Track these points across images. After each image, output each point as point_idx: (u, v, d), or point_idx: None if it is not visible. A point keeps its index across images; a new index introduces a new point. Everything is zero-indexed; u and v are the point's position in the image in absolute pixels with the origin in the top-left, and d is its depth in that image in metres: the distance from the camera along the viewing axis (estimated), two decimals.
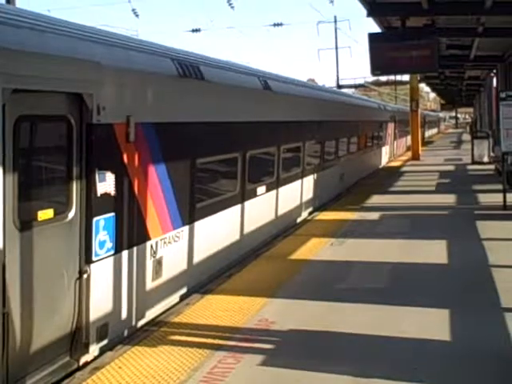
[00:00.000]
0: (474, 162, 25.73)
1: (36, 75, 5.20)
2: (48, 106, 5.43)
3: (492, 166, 22.26)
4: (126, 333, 6.55)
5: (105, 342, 6.10)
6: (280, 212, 12.03)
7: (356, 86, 63.35)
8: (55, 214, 5.53)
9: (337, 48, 52.84)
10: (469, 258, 9.39)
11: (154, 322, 6.76)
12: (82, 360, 5.78)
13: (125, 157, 6.47)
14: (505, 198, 13.60)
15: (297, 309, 7.12)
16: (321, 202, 15.54)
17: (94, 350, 5.94)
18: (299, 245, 10.49)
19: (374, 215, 13.67)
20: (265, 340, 6.11)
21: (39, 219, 5.32)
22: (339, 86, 50.70)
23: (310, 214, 14.33)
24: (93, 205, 5.89)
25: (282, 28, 42.65)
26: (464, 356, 5.64)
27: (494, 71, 26.97)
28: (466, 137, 48.22)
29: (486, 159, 25.42)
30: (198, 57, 9.17)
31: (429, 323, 6.47)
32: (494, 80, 28.26)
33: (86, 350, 5.80)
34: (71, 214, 5.71)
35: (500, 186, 14.27)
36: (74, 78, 5.71)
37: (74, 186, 5.74)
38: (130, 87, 6.69)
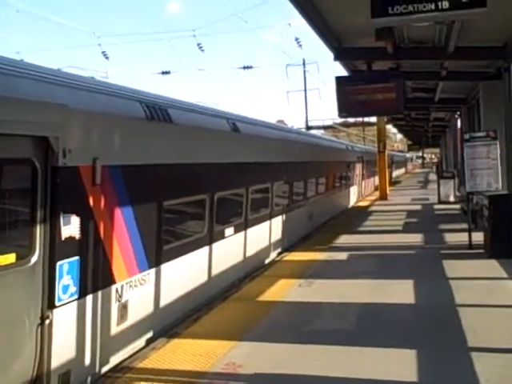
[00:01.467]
0: (440, 202, 26.10)
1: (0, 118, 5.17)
2: (12, 148, 5.39)
3: (458, 206, 22.60)
4: (89, 380, 6.40)
5: None
6: (248, 253, 11.99)
7: (325, 127, 64.17)
8: (17, 258, 5.43)
9: (305, 90, 53.50)
10: (435, 297, 9.44)
11: (118, 368, 6.62)
12: None
13: (90, 200, 6.43)
14: (470, 237, 13.77)
15: (264, 352, 7.05)
16: (290, 243, 15.54)
17: None
18: (267, 286, 10.44)
19: (343, 255, 13.71)
20: None
21: (0, 264, 5.21)
22: (308, 127, 51.25)
23: (279, 254, 14.31)
24: (57, 249, 5.81)
25: (252, 70, 43.32)
26: None
27: (458, 113, 27.61)
28: (433, 176, 49.02)
29: (452, 199, 25.80)
30: (167, 99, 9.22)
31: (397, 364, 6.45)
32: (459, 121, 28.89)
33: None
34: (34, 259, 5.61)
35: (466, 225, 14.47)
36: (40, 121, 5.69)
37: (38, 230, 5.67)
38: (96, 130, 6.69)
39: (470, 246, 13.69)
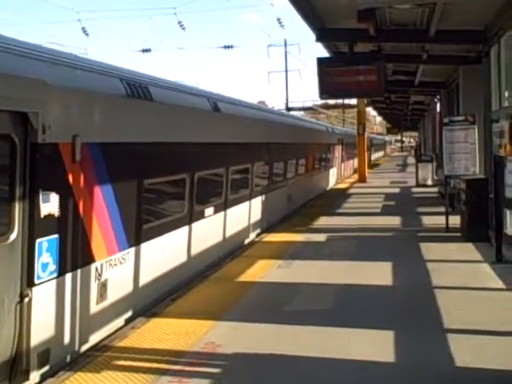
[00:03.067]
0: (418, 185, 26.37)
1: None
2: None
3: (435, 189, 22.82)
4: (68, 358, 6.38)
5: (46, 368, 5.93)
6: (228, 233, 12.00)
7: (305, 109, 64.10)
8: None
9: (286, 71, 53.46)
10: (413, 279, 9.54)
11: (97, 347, 6.60)
12: None
13: (70, 177, 6.36)
14: (447, 220, 13.93)
15: (243, 332, 7.08)
16: (269, 224, 15.59)
17: (34, 376, 5.76)
18: (246, 267, 10.47)
19: (321, 237, 13.78)
20: (211, 364, 6.04)
21: None
22: (288, 109, 51.19)
23: (258, 235, 14.34)
24: (36, 226, 5.75)
25: (233, 50, 43.03)
26: (409, 377, 5.70)
27: (438, 97, 27.74)
28: (411, 160, 49.36)
29: (429, 182, 26.07)
30: (147, 77, 9.13)
31: (374, 345, 6.51)
32: (438, 105, 29.04)
33: (26, 377, 5.63)
34: (13, 236, 5.56)
35: (443, 209, 14.62)
36: (19, 96, 5.60)
37: (17, 207, 5.60)
38: (76, 106, 6.60)
39: (447, 228, 13.85)
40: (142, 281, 8.10)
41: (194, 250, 10.08)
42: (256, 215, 14.43)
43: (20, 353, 5.57)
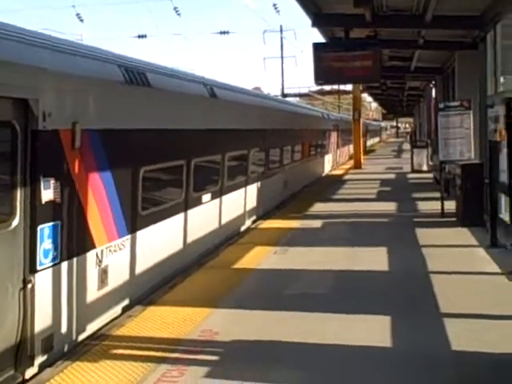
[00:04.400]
0: (413, 171, 26.43)
1: None
2: None
3: (431, 175, 22.89)
4: (71, 344, 6.43)
5: (50, 353, 5.98)
6: (224, 220, 12.03)
7: (301, 95, 64.04)
8: None
9: (282, 57, 53.32)
10: (409, 264, 9.62)
11: (95, 336, 6.57)
12: (28, 373, 5.65)
13: (70, 164, 6.39)
14: (442, 205, 14.00)
15: (241, 319, 7.11)
16: (265, 210, 15.62)
17: (39, 362, 5.81)
18: (243, 254, 10.50)
19: (317, 223, 13.84)
20: (209, 351, 6.04)
21: None
22: (284, 95, 51.11)
23: (254, 222, 14.38)
24: (37, 213, 5.78)
25: (229, 36, 42.90)
26: (405, 361, 5.75)
27: (433, 82, 27.74)
28: (407, 146, 49.40)
29: (425, 168, 26.14)
30: (145, 63, 9.12)
31: (371, 330, 6.57)
32: (433, 91, 29.04)
33: (31, 363, 5.67)
34: (15, 222, 5.59)
35: (438, 194, 14.70)
36: (20, 83, 5.61)
37: (18, 194, 5.63)
38: (76, 93, 6.61)
39: (443, 214, 13.93)
40: (142, 267, 8.13)
41: (191, 237, 10.10)
42: (252, 202, 14.46)
43: (25, 339, 5.61)
